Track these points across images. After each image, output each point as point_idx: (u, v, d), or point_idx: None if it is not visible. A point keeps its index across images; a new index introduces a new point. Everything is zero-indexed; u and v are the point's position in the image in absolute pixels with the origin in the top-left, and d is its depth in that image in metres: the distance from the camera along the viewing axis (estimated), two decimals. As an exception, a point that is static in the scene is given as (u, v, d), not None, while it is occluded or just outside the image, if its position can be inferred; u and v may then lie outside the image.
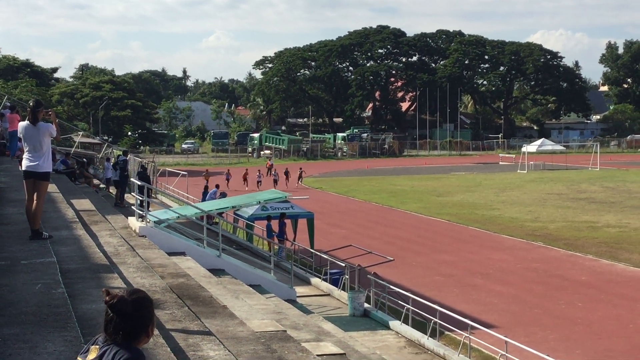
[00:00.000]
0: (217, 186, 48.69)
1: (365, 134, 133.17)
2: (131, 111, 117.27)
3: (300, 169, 78.84)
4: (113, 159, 39.44)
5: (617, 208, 55.40)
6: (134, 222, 22.00)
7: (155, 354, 8.64)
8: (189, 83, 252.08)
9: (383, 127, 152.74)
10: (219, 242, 22.72)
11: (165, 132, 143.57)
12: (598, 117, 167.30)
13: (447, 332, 24.11)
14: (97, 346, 5.20)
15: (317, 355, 12.68)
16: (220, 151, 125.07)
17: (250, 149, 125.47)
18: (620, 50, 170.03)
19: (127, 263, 14.67)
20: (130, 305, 5.13)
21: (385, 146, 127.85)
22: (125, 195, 34.27)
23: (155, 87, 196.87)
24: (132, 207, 24.22)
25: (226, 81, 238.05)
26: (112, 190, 36.76)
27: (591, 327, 25.76)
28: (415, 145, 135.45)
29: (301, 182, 75.59)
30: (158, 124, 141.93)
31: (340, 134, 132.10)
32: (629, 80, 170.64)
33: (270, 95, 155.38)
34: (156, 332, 9.86)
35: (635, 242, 41.00)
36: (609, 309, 27.87)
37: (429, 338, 23.06)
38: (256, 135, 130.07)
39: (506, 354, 20.09)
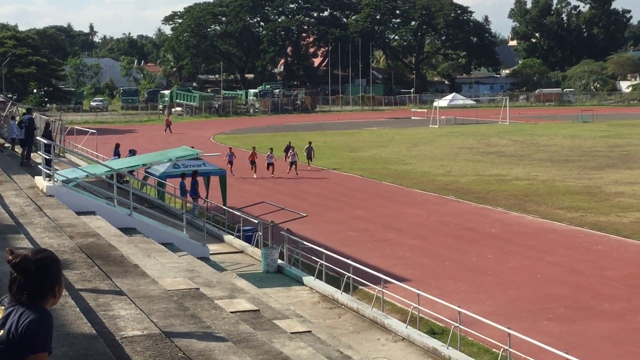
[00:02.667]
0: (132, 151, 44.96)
1: (278, 90, 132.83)
2: (36, 68, 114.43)
3: (310, 143, 56.15)
4: (18, 117, 38.45)
5: (525, 161, 56.60)
6: (41, 182, 21.55)
7: (64, 314, 8.52)
8: (97, 39, 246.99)
9: (295, 83, 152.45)
10: (130, 200, 22.44)
11: (73, 89, 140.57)
12: (507, 71, 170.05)
13: (360, 287, 24.38)
14: (2, 307, 5.09)
15: (231, 312, 12.69)
16: (130, 109, 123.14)
17: (160, 106, 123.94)
18: (529, 5, 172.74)
19: (34, 223, 14.38)
20: (34, 264, 5.02)
21: (298, 102, 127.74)
22: (32, 154, 33.52)
23: (61, 43, 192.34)
24: (39, 166, 23.72)
25: (135, 37, 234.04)
26: (18, 149, 35.90)
27: (501, 278, 26.37)
28: (328, 101, 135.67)
29: (311, 162, 55.37)
30: (65, 82, 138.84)
31: (252, 91, 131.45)
32: (536, 34, 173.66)
33: (181, 52, 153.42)
34: (65, 292, 9.72)
35: (543, 194, 42.00)
36: (518, 260, 28.55)
37: (343, 293, 23.29)
38: (167, 92, 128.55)
39: (418, 307, 20.43)
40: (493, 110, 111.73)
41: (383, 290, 22.03)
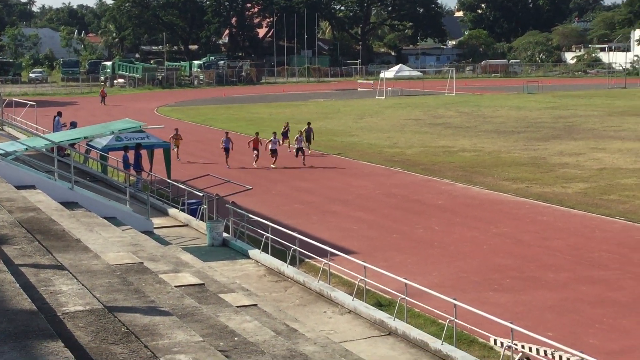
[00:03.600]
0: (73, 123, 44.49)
1: (222, 62, 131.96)
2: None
3: (309, 124, 49.56)
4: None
5: (472, 133, 57.06)
6: (-22, 155, 21.16)
7: (3, 290, 8.40)
8: (35, 9, 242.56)
9: (240, 54, 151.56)
10: (71, 174, 22.16)
11: (11, 60, 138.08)
12: (454, 42, 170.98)
13: (306, 260, 24.45)
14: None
15: (176, 286, 12.63)
16: (71, 80, 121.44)
17: (102, 77, 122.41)
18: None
19: (-29, 198, 14.13)
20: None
21: (243, 74, 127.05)
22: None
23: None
24: (-24, 139, 23.29)
25: (75, 7, 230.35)
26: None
27: (447, 249, 26.62)
28: (273, 73, 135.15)
29: (309, 146, 48.08)
30: (2, 53, 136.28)
31: (196, 62, 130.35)
32: (482, 5, 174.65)
33: (122, 22, 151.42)
34: (4, 268, 9.59)
35: (489, 166, 42.43)
36: (465, 232, 28.84)
37: (289, 266, 23.33)
38: (109, 63, 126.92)
39: (365, 279, 20.55)
40: (439, 81, 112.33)
41: (329, 263, 22.12)
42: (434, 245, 27.12)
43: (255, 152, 43.44)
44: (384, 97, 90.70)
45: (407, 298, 19.03)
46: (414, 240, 27.75)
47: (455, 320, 17.50)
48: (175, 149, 44.69)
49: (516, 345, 16.13)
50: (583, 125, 60.06)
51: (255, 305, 17.74)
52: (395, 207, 33.06)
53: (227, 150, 43.40)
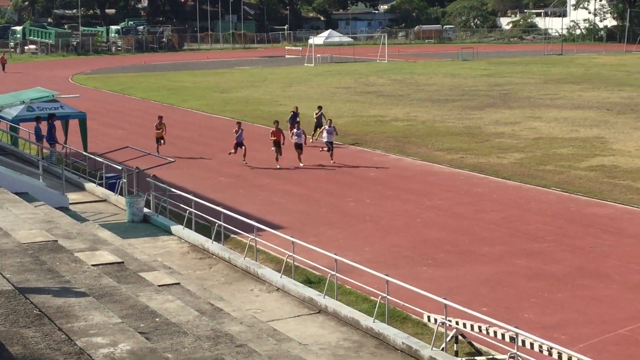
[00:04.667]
0: None
1: (142, 27, 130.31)
2: None
3: (320, 109, 42.60)
4: None
5: (405, 101, 57.41)
6: None
7: None
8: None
9: (161, 19, 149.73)
10: (-21, 147, 21.72)
11: None
12: (386, 7, 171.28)
13: (232, 235, 24.41)
14: None
15: (92, 265, 12.50)
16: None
17: (12, 43, 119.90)
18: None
19: None
20: None
21: (164, 40, 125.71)
22: None
23: None
24: None
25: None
26: None
27: (379, 223, 26.81)
28: (196, 39, 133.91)
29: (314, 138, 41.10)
30: None
31: (113, 27, 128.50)
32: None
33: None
34: None
35: (422, 136, 42.77)
36: (397, 205, 29.06)
37: (214, 242, 23.26)
38: (18, 28, 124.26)
39: (293, 255, 20.59)
40: (371, 47, 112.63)
41: (256, 238, 22.11)
42: (366, 219, 27.29)
43: (277, 148, 35.40)
44: (313, 65, 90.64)
45: (337, 274, 19.13)
46: (344, 214, 27.88)
47: (388, 296, 17.66)
48: (161, 142, 38.21)
49: (450, 321, 16.35)
50: (519, 93, 60.86)
51: (178, 284, 17.65)
52: (325, 180, 33.16)
53: (240, 144, 35.84)
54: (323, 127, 38.22)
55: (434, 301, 16.90)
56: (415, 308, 17.88)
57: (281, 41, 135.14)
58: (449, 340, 16.36)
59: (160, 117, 39.00)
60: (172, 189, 26.75)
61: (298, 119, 39.29)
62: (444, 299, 16.31)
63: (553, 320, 18.53)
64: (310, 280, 20.90)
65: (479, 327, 16.16)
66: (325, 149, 36.74)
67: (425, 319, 17.90)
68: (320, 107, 42.59)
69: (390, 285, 17.76)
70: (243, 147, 35.89)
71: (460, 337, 16.55)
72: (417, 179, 33.08)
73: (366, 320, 17.75)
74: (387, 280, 17.64)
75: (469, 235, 25.29)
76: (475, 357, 16.33)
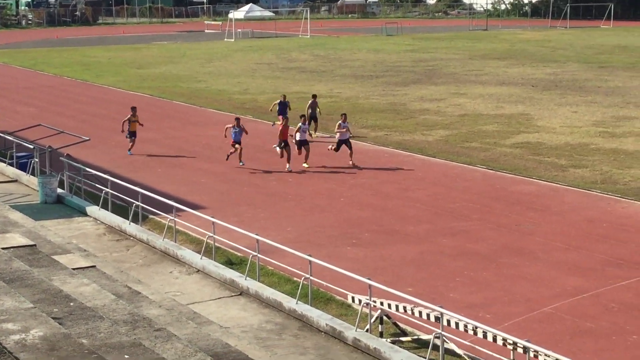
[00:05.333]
0: None
1: (54, 0, 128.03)
2: None
3: (314, 97, 38.46)
4: None
5: (328, 77, 57.47)
6: None
7: None
8: None
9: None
10: None
11: None
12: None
13: (150, 216, 24.20)
14: None
15: (3, 248, 12.29)
16: None
17: None
18: None
19: None
20: None
21: (77, 13, 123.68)
22: None
23: None
24: None
25: None
26: None
27: (302, 202, 26.84)
28: (112, 12, 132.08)
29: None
30: None
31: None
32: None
33: None
34: None
35: (346, 113, 42.72)
36: (320, 183, 29.11)
37: (131, 223, 23.03)
38: None
39: (214, 236, 20.50)
40: (293, 22, 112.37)
41: (175, 219, 21.95)
42: (288, 199, 27.29)
43: (279, 148, 31.42)
44: (233, 40, 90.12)
45: (259, 255, 19.10)
46: (267, 194, 27.84)
47: (311, 277, 17.69)
48: (133, 138, 34.00)
49: (374, 302, 16.45)
50: (444, 69, 61.38)
51: (94, 266, 17.47)
52: (247, 158, 33.02)
53: (238, 142, 31.20)
54: (339, 122, 32.00)
55: (358, 282, 16.98)
56: (339, 289, 17.96)
57: (200, 15, 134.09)
58: (374, 321, 16.47)
59: (134, 109, 34.07)
60: (87, 169, 26.39)
61: (289, 109, 36.29)
62: (368, 279, 16.40)
63: (478, 299, 18.79)
64: (231, 262, 20.84)
65: (404, 308, 16.30)
66: (333, 147, 31.98)
67: (349, 300, 17.99)
68: (314, 96, 37.86)
69: (314, 265, 17.79)
70: (239, 147, 31.10)
71: (385, 318, 16.68)
72: (341, 158, 33.13)
73: (289, 302, 17.76)
74: (310, 261, 17.66)
75: (393, 214, 25.47)
76: (400, 338, 16.47)
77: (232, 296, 18.77)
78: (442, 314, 14.92)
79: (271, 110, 37.16)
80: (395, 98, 47.57)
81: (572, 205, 26.02)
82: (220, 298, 18.69)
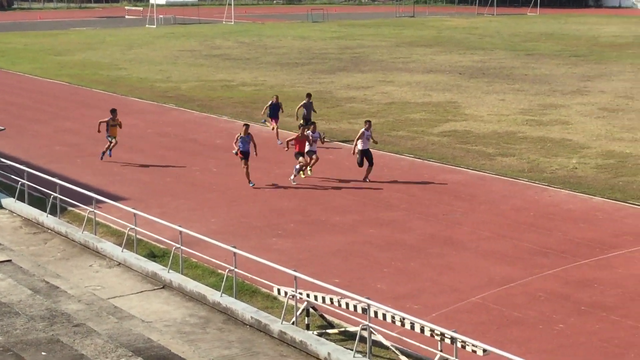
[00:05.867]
0: None
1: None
2: None
3: (308, 97, 34.06)
4: None
5: (252, 65, 57.28)
6: None
7: None
8: None
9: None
10: None
11: None
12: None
13: (69, 208, 23.92)
14: None
15: None
16: None
17: None
18: None
19: None
20: None
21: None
22: None
23: None
24: None
25: None
26: None
27: (227, 193, 26.73)
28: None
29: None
30: None
31: None
32: None
33: None
34: None
35: (269, 100, 42.66)
36: (243, 174, 29.00)
37: (49, 215, 22.74)
38: None
39: (136, 228, 20.33)
40: (217, 8, 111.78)
41: (95, 211, 21.71)
42: (213, 189, 27.16)
43: (300, 158, 27.79)
44: (155, 26, 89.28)
45: (182, 247, 18.99)
46: (190, 184, 27.67)
47: (236, 269, 17.64)
48: (111, 142, 30.51)
49: (301, 294, 16.46)
50: (371, 56, 61.61)
51: (9, 261, 17.21)
52: (170, 148, 32.82)
53: (246, 155, 27.35)
54: (362, 130, 28.10)
55: (284, 273, 16.98)
56: (264, 281, 17.93)
57: (120, 1, 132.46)
58: (300, 314, 16.49)
59: (114, 112, 30.65)
60: (2, 160, 25.95)
61: (282, 110, 33.86)
62: (294, 270, 16.40)
63: (406, 289, 18.91)
64: (154, 254, 20.69)
65: (331, 299, 16.33)
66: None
67: (275, 292, 17.97)
68: (309, 96, 34.05)
69: (239, 257, 17.75)
70: (247, 164, 27.29)
71: (311, 310, 16.70)
72: (266, 146, 33.02)
73: (213, 295, 17.70)
74: (234, 253, 17.62)
75: (320, 204, 25.51)
76: (327, 330, 16.51)
77: (154, 289, 18.64)
78: (369, 305, 14.99)
79: (263, 113, 34.23)
80: (322, 86, 47.61)
81: (500, 194, 26.34)
82: (142, 292, 18.55)
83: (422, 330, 14.70)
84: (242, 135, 27.22)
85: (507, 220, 23.68)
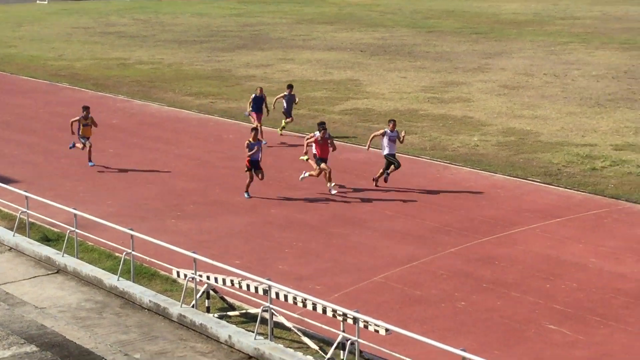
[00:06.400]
0: None
1: None
2: None
3: (290, 88, 31.23)
4: None
5: (149, 43, 56.63)
6: None
7: None
8: None
9: None
10: None
11: None
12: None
13: (-43, 191, 23.39)
14: None
15: None
16: None
17: None
18: None
19: None
20: None
21: None
22: None
23: None
24: None
25: None
26: None
27: (124, 174, 26.44)
28: None
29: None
30: None
31: None
32: None
33: None
34: None
35: (169, 80, 42.39)
36: (144, 154, 28.74)
37: None
38: None
39: (27, 211, 19.99)
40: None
41: (-15, 194, 21.28)
42: (109, 170, 26.81)
43: (318, 165, 24.14)
44: (46, 2, 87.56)
45: (77, 230, 18.74)
46: (85, 165, 27.23)
47: (133, 252, 17.49)
48: (84, 145, 26.99)
49: (201, 276, 16.39)
50: (271, 34, 61.44)
51: None
52: (63, 129, 32.14)
53: (256, 163, 23.92)
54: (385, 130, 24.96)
55: (183, 256, 16.90)
56: (163, 264, 17.81)
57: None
58: (200, 297, 16.42)
59: (87, 109, 27.26)
60: None
61: (266, 105, 30.07)
62: (194, 252, 16.32)
63: (308, 270, 18.97)
64: (47, 238, 20.36)
65: (232, 281, 16.29)
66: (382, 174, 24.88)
67: (174, 275, 17.85)
68: (290, 87, 31.23)
69: (136, 240, 17.58)
70: (260, 173, 23.95)
71: (211, 293, 16.64)
72: (165, 126, 32.81)
73: (110, 279, 17.52)
74: (132, 235, 17.44)
75: (220, 184, 25.40)
76: (228, 313, 16.47)
77: (48, 274, 18.37)
78: (270, 286, 15.00)
79: (249, 113, 30.37)
80: (221, 64, 47.33)
81: (402, 172, 26.53)
82: (35, 277, 18.26)
83: (324, 310, 14.77)
84: (250, 141, 23.51)
85: (410, 198, 23.92)
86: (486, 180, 25.80)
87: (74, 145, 27.07)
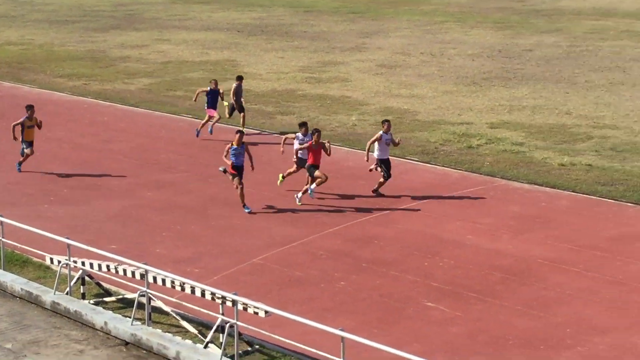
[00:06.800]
0: None
1: None
2: None
3: (239, 79, 29.47)
4: None
5: (19, 22, 55.31)
6: None
7: None
8: None
9: None
10: None
11: None
12: None
13: None
14: None
15: None
16: None
17: None
18: None
19: None
20: None
21: None
22: None
23: None
24: None
25: None
26: None
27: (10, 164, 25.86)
28: None
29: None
30: None
31: None
32: None
33: None
34: None
35: (40, 61, 41.51)
36: (11, 138, 28.04)
37: None
38: None
39: None
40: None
41: None
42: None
43: (317, 172, 22.15)
44: None
45: None
46: (-48, 150, 26.53)
47: (3, 239, 17.13)
48: (27, 151, 24.61)
49: (75, 262, 16.13)
50: (146, 14, 60.63)
51: None
52: None
53: (240, 169, 21.85)
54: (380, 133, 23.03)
55: (56, 241, 16.59)
56: (36, 250, 17.46)
57: None
58: (75, 283, 16.18)
59: (31, 108, 25.10)
60: None
61: (222, 100, 28.49)
62: (67, 238, 16.05)
63: (186, 253, 18.88)
64: None
65: (107, 267, 16.09)
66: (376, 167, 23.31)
67: (48, 262, 17.55)
68: (240, 78, 29.28)
69: (7, 226, 17.22)
70: (241, 183, 21.66)
71: (87, 279, 16.41)
72: (37, 109, 31.84)
73: (-21, 268, 17.11)
74: (1, 221, 17.06)
75: (95, 168, 25.04)
76: (104, 299, 16.28)
77: None
78: (146, 271, 14.87)
79: (195, 100, 29.12)
80: (94, 45, 46.54)
81: (279, 153, 26.54)
82: None
83: (202, 294, 14.71)
84: (234, 145, 21.62)
85: (290, 179, 23.85)
86: (364, 160, 25.95)
87: (24, 154, 24.41)
